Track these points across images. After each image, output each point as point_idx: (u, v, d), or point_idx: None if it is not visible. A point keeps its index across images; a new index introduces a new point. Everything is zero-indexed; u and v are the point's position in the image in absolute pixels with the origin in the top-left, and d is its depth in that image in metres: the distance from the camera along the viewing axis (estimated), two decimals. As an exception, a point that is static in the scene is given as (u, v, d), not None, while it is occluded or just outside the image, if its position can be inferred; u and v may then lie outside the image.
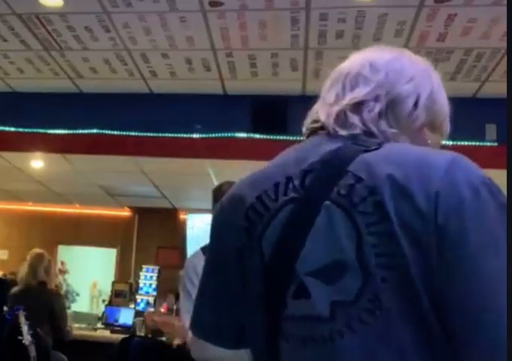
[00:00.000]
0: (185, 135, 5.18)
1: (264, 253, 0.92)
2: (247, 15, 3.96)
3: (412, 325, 0.81)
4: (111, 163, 5.90)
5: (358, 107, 0.97)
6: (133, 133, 5.25)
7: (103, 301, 7.73)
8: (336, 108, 0.98)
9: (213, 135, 5.07)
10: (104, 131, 5.29)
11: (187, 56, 4.63)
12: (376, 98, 0.97)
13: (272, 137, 4.95)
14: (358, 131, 0.95)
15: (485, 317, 0.77)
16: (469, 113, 5.00)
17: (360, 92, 0.97)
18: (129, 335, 5.21)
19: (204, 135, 5.12)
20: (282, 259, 0.90)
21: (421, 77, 1.01)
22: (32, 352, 3.68)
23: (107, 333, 5.75)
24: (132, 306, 6.53)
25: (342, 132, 0.95)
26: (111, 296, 6.89)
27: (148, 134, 5.24)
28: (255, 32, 4.18)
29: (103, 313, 6.38)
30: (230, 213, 0.99)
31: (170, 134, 5.22)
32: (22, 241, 8.16)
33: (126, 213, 8.74)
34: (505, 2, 2.97)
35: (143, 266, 7.29)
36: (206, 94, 5.19)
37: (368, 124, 0.95)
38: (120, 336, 5.21)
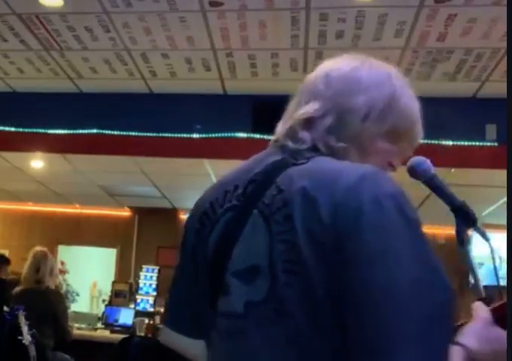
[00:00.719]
0: (185, 135, 5.18)
1: (208, 254, 1.01)
2: (247, 15, 3.96)
3: (312, 326, 0.87)
4: (111, 163, 5.90)
5: (308, 122, 1.01)
6: (133, 133, 5.25)
7: (103, 301, 7.72)
8: (289, 123, 1.04)
9: (213, 135, 5.07)
10: (104, 131, 5.29)
11: (187, 56, 4.63)
12: (326, 113, 1.01)
13: (272, 137, 4.95)
14: (305, 146, 1.00)
15: (370, 323, 0.81)
16: (469, 113, 5.01)
17: (311, 108, 1.02)
18: (129, 335, 5.21)
19: (204, 135, 5.12)
20: (218, 260, 0.99)
21: (378, 88, 1.02)
22: (32, 352, 3.68)
23: (107, 333, 5.75)
24: (132, 306, 6.53)
25: (291, 146, 1.01)
26: (111, 296, 6.89)
27: (148, 134, 5.24)
28: (255, 32, 4.18)
29: (103, 313, 6.38)
30: (192, 217, 1.10)
31: (170, 134, 5.21)
32: (23, 241, 8.16)
33: (126, 213, 8.74)
34: (505, 2, 2.97)
35: (143, 266, 7.29)
36: (206, 94, 5.19)
37: (315, 140, 1.00)
38: (120, 336, 5.21)
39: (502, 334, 0.93)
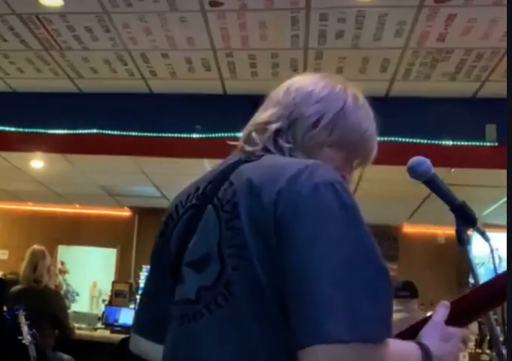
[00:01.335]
0: (185, 135, 5.18)
1: (171, 252, 1.09)
2: (247, 15, 3.96)
3: (257, 307, 0.92)
4: (111, 163, 5.90)
5: (262, 127, 1.11)
6: (133, 133, 5.25)
7: (103, 301, 7.72)
8: (248, 128, 1.14)
9: (213, 135, 5.07)
10: (104, 131, 5.29)
11: (187, 56, 4.63)
12: (279, 119, 1.10)
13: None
14: (258, 147, 1.09)
15: (304, 298, 0.86)
16: (469, 113, 5.01)
17: (266, 114, 1.13)
18: (129, 335, 5.20)
19: (204, 135, 5.12)
20: (177, 256, 1.06)
21: (330, 100, 1.11)
22: (32, 352, 3.68)
23: (107, 333, 5.75)
24: (132, 306, 6.53)
25: (246, 149, 1.10)
26: (111, 296, 6.89)
27: (148, 134, 5.24)
28: (255, 32, 4.18)
29: (103, 313, 6.38)
30: (161, 223, 1.17)
31: (170, 134, 5.21)
32: (23, 241, 8.15)
33: (126, 213, 8.74)
34: (505, 2, 2.97)
35: (143, 266, 7.29)
36: (206, 94, 5.19)
37: (265, 142, 1.09)
38: (120, 336, 5.21)
39: (454, 333, 1.03)
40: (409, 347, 0.96)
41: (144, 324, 1.19)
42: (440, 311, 1.04)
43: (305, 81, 1.15)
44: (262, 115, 1.14)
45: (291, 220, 0.90)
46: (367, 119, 1.15)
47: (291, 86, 1.14)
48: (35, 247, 4.72)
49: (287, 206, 0.91)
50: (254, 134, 1.11)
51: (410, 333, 1.03)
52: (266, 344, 0.91)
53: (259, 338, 0.92)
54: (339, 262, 0.86)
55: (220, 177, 1.06)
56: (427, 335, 1.01)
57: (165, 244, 1.11)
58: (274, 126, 1.09)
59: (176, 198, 1.17)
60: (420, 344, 0.98)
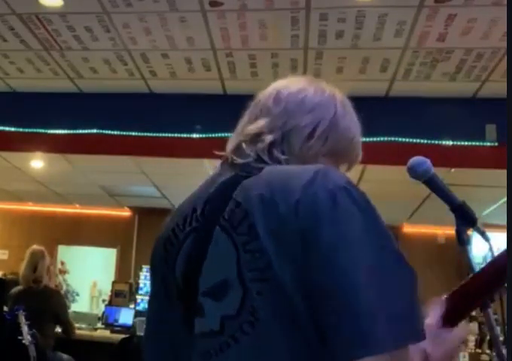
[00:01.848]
0: (185, 135, 5.18)
1: (177, 280, 1.02)
2: (247, 15, 3.96)
3: (288, 331, 0.88)
4: (111, 163, 5.91)
5: (254, 138, 1.06)
6: (133, 133, 5.25)
7: (103, 301, 7.73)
8: (237, 139, 1.09)
9: (213, 135, 5.06)
10: (104, 131, 5.29)
11: (187, 56, 4.63)
12: (272, 130, 1.06)
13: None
14: (251, 159, 1.04)
15: (343, 310, 0.83)
16: (469, 113, 5.01)
17: (258, 124, 1.07)
18: (129, 335, 5.21)
19: (204, 135, 5.12)
20: (188, 284, 0.99)
21: (322, 108, 1.08)
22: (32, 352, 3.68)
23: (107, 333, 5.75)
24: (132, 306, 6.53)
25: (239, 162, 1.05)
26: (111, 296, 6.89)
27: (148, 134, 5.24)
28: (255, 32, 4.18)
29: (103, 313, 6.38)
30: (157, 246, 1.09)
31: (170, 134, 5.21)
32: (23, 241, 8.15)
33: (126, 213, 8.74)
34: (505, 2, 2.97)
35: (143, 266, 7.29)
36: (206, 94, 5.19)
37: (260, 153, 1.04)
38: (120, 336, 5.22)
39: (448, 335, 1.03)
40: (416, 349, 0.95)
41: (154, 352, 1.13)
42: (435, 311, 1.04)
43: (294, 87, 1.11)
44: (252, 125, 1.09)
45: (313, 231, 0.87)
46: (354, 123, 1.13)
47: (280, 93, 1.10)
48: (35, 247, 4.73)
49: (307, 217, 0.88)
50: (244, 145, 1.06)
51: None
52: None
53: (292, 359, 0.88)
54: (370, 269, 0.85)
55: (221, 196, 1.00)
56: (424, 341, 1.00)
57: (168, 271, 1.04)
58: (268, 138, 1.05)
59: (171, 219, 1.10)
60: (422, 351, 0.96)
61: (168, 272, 1.04)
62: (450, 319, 1.04)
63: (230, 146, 1.11)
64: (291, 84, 1.12)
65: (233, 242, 0.94)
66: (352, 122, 1.12)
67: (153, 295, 1.13)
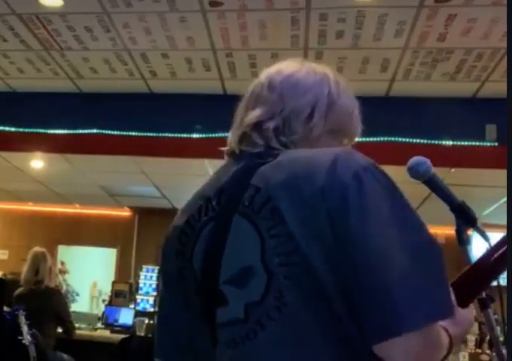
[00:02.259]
0: (185, 135, 5.18)
1: (195, 271, 1.00)
2: (247, 15, 3.96)
3: (318, 314, 0.88)
4: (111, 163, 5.90)
5: (257, 126, 1.06)
6: (133, 133, 5.25)
7: (103, 301, 7.72)
8: (240, 131, 1.09)
9: (213, 135, 5.06)
10: (104, 131, 5.29)
11: (187, 56, 4.63)
12: (272, 117, 1.06)
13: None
14: (260, 148, 1.04)
15: (376, 292, 0.84)
16: (469, 113, 5.01)
17: (257, 113, 1.07)
18: (129, 335, 5.21)
19: (204, 135, 5.12)
20: (208, 275, 0.98)
21: (317, 88, 1.09)
22: (32, 352, 3.68)
23: (107, 333, 5.75)
24: (132, 306, 6.53)
25: (247, 151, 1.05)
26: (111, 296, 6.89)
27: (148, 134, 5.24)
28: (255, 32, 4.18)
29: (103, 313, 6.37)
30: (169, 240, 1.08)
31: (170, 134, 5.21)
32: (23, 241, 8.16)
33: (126, 213, 8.74)
34: (505, 2, 2.97)
35: (143, 266, 7.28)
36: (206, 94, 5.19)
37: (268, 140, 1.04)
38: (120, 336, 5.21)
39: (465, 314, 1.04)
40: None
41: (168, 351, 1.12)
42: None
43: (285, 72, 1.11)
44: (250, 115, 1.08)
45: (343, 214, 0.87)
46: (349, 98, 1.13)
47: (274, 80, 1.11)
48: (36, 249, 4.73)
49: (335, 201, 0.88)
50: (251, 134, 1.06)
51: None
52: (330, 349, 0.88)
53: (323, 343, 0.88)
54: (401, 249, 0.85)
55: (237, 184, 1.00)
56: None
57: (185, 264, 1.02)
58: (271, 125, 1.05)
59: (183, 212, 1.08)
60: (445, 329, 0.96)
61: (185, 265, 1.02)
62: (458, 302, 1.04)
63: (233, 138, 1.10)
64: (281, 70, 1.13)
65: (256, 228, 0.93)
66: (347, 97, 1.12)
67: (167, 292, 1.11)
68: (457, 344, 1.03)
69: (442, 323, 0.96)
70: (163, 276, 1.12)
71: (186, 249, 1.03)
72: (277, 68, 1.14)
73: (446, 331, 0.96)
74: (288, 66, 1.13)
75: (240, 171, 1.02)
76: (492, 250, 1.07)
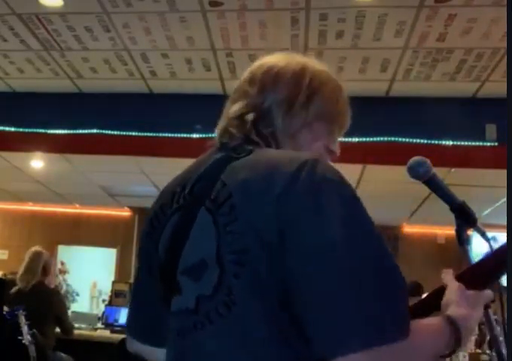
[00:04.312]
0: (185, 135, 5.18)
1: (160, 257, 1.02)
2: (247, 15, 3.96)
3: (263, 317, 0.88)
4: (111, 163, 5.90)
5: (237, 120, 1.07)
6: (133, 133, 5.25)
7: (103, 301, 7.72)
8: (222, 123, 1.12)
9: (213, 135, 5.06)
10: (104, 131, 5.29)
11: (187, 56, 4.63)
12: (252, 109, 1.07)
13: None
14: (238, 141, 1.04)
15: (316, 308, 0.83)
16: (469, 113, 5.01)
17: (238, 106, 1.09)
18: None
19: (204, 135, 5.12)
20: (169, 262, 1.00)
21: (297, 78, 1.08)
22: (32, 352, 3.69)
23: (107, 333, 5.74)
24: (132, 306, 6.52)
25: (228, 144, 1.06)
26: (111, 296, 6.89)
27: (148, 134, 5.24)
28: (255, 32, 4.18)
29: (103, 313, 6.37)
30: (146, 223, 1.11)
31: (170, 134, 5.21)
32: (23, 241, 8.16)
33: (126, 213, 8.74)
34: (505, 2, 2.97)
35: (143, 266, 7.28)
36: (206, 94, 5.19)
37: (247, 133, 1.05)
38: (120, 336, 5.20)
39: (479, 296, 1.01)
40: (435, 327, 0.93)
41: (137, 327, 1.16)
42: (449, 277, 1.04)
43: (266, 65, 1.12)
44: (232, 108, 1.10)
45: (295, 225, 0.87)
46: (334, 87, 1.13)
47: (255, 74, 1.11)
48: (32, 248, 4.75)
49: (288, 210, 0.87)
50: (231, 128, 1.08)
51: (422, 306, 1.03)
52: (273, 352, 0.87)
53: (265, 345, 0.88)
54: (350, 268, 0.83)
55: (209, 176, 1.01)
56: (453, 303, 0.98)
57: (152, 246, 1.05)
58: (250, 117, 1.06)
59: (160, 196, 1.12)
60: (447, 317, 0.94)
61: (152, 249, 1.05)
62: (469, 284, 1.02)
63: (217, 131, 1.13)
64: (263, 63, 1.13)
65: (215, 222, 0.94)
66: (332, 87, 1.12)
67: (139, 273, 1.14)
68: (472, 324, 0.98)
69: (447, 309, 0.96)
70: (138, 254, 1.15)
71: (155, 233, 1.05)
72: (260, 62, 1.14)
73: (450, 319, 0.93)
74: (269, 59, 1.13)
75: (215, 163, 1.03)
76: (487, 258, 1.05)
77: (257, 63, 1.14)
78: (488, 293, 1.04)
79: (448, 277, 1.04)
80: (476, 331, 5.48)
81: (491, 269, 1.05)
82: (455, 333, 0.93)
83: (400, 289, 0.86)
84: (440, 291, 1.04)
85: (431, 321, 0.96)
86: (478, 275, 1.04)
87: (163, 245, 1.02)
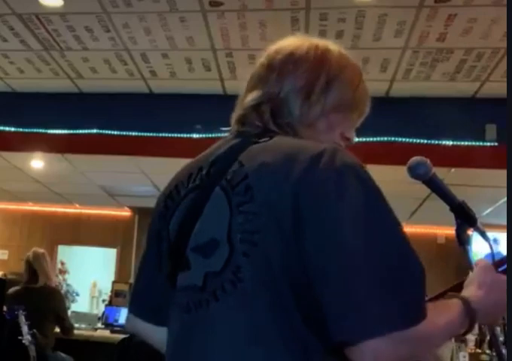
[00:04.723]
0: (185, 135, 5.18)
1: (170, 234, 1.03)
2: (247, 15, 3.96)
3: (268, 296, 0.88)
4: (111, 163, 5.90)
5: (256, 107, 1.06)
6: (133, 133, 5.25)
7: (103, 301, 7.72)
8: (239, 112, 1.10)
9: (213, 135, 5.06)
10: (104, 131, 5.28)
11: (187, 56, 4.63)
12: (270, 98, 1.05)
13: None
14: (259, 130, 1.04)
15: (336, 293, 0.83)
16: (469, 113, 5.01)
17: (255, 95, 1.07)
18: (129, 335, 5.20)
19: (204, 135, 5.12)
20: (179, 240, 1.01)
21: (317, 65, 1.07)
22: (32, 352, 3.69)
23: (107, 333, 5.74)
24: (132, 306, 6.52)
25: (246, 131, 1.05)
26: (111, 296, 6.89)
27: (148, 134, 5.24)
28: (255, 32, 4.18)
29: (103, 313, 6.38)
30: (159, 202, 1.12)
31: (170, 134, 5.21)
32: (23, 241, 8.16)
33: (126, 213, 8.74)
34: (505, 2, 2.97)
35: (143, 266, 7.28)
36: (206, 94, 5.19)
37: (266, 123, 1.04)
38: (120, 336, 5.20)
39: (499, 278, 0.99)
40: (450, 308, 0.93)
41: (141, 306, 1.15)
42: (484, 259, 1.03)
43: (285, 50, 1.09)
44: (249, 97, 1.08)
45: (315, 210, 0.87)
46: (354, 73, 1.11)
47: (273, 59, 1.08)
48: (33, 249, 4.77)
49: (308, 195, 0.88)
50: (249, 115, 1.06)
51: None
52: (275, 330, 0.88)
53: (268, 323, 0.88)
54: (366, 250, 0.84)
55: (227, 158, 1.01)
56: (473, 283, 0.98)
57: (164, 226, 1.06)
58: (268, 107, 1.05)
59: (176, 177, 1.11)
60: (462, 298, 0.94)
61: (163, 227, 1.06)
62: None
63: (235, 118, 1.11)
64: (281, 49, 1.10)
65: (229, 202, 0.94)
66: (352, 72, 1.11)
67: (146, 253, 1.14)
68: (491, 305, 0.96)
69: (466, 289, 0.96)
70: (147, 235, 1.14)
71: (168, 212, 1.06)
72: (277, 47, 1.12)
73: (464, 300, 0.93)
74: (288, 44, 1.11)
75: (234, 146, 1.03)
76: None
77: (274, 48, 1.12)
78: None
79: (482, 260, 1.04)
80: (477, 331, 5.48)
81: None
82: (469, 314, 0.93)
83: (419, 274, 0.87)
84: (458, 286, 1.04)
85: (448, 302, 0.95)
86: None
87: (175, 223, 1.03)
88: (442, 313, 0.91)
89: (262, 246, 0.89)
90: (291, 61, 1.07)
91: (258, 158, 0.95)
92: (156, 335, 1.11)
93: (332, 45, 1.14)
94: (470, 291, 0.97)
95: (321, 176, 0.88)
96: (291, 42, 1.12)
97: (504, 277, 1.00)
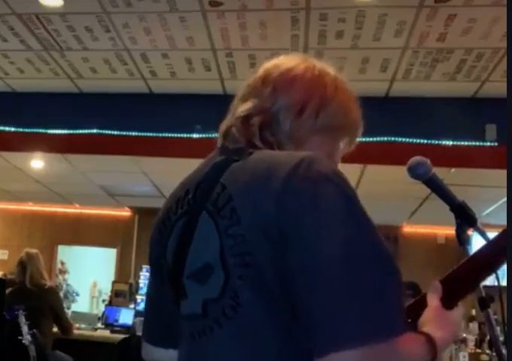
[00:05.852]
0: (185, 135, 5.18)
1: (168, 263, 1.03)
2: (247, 15, 3.96)
3: (267, 314, 0.89)
4: (111, 163, 5.90)
5: (243, 121, 1.04)
6: (133, 133, 5.25)
7: (103, 301, 7.73)
8: (227, 122, 1.08)
9: (213, 135, 5.05)
10: (104, 131, 5.29)
11: (187, 56, 4.63)
12: (261, 111, 1.04)
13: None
14: (242, 144, 1.02)
15: (313, 305, 0.83)
16: (469, 113, 5.01)
17: (247, 106, 1.05)
18: (129, 335, 5.21)
19: (204, 135, 5.12)
20: (176, 267, 1.01)
21: (313, 85, 1.06)
22: (32, 352, 3.69)
23: (107, 333, 5.75)
24: (132, 306, 6.53)
25: (230, 146, 1.04)
26: (111, 296, 6.90)
27: (148, 134, 5.24)
28: (255, 32, 4.18)
29: (103, 313, 6.38)
30: (154, 229, 1.11)
31: (170, 134, 5.21)
32: (23, 241, 8.16)
33: (126, 213, 8.74)
34: (505, 2, 2.97)
35: (143, 266, 7.29)
36: (206, 94, 5.19)
37: (251, 137, 1.02)
38: (120, 336, 5.22)
39: (452, 316, 1.03)
40: (417, 341, 0.94)
41: (152, 331, 1.18)
42: (434, 295, 1.03)
43: (284, 66, 1.09)
44: (241, 108, 1.06)
45: (295, 225, 0.87)
46: (348, 98, 1.11)
47: (270, 74, 1.08)
48: (25, 250, 4.80)
49: (288, 209, 0.87)
50: (234, 129, 1.05)
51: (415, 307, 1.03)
52: (279, 350, 0.88)
53: (272, 344, 0.89)
54: (345, 262, 0.83)
55: (210, 180, 1.00)
56: (430, 324, 0.99)
57: (162, 253, 1.06)
58: (257, 120, 1.03)
59: (167, 201, 1.11)
60: (428, 335, 0.95)
61: (161, 254, 1.06)
62: (446, 302, 1.03)
63: (222, 128, 1.10)
64: (279, 64, 1.10)
65: (217, 226, 0.94)
66: (347, 97, 1.10)
67: (151, 279, 1.17)
68: (445, 347, 1.01)
69: (425, 328, 0.97)
70: (149, 259, 1.15)
71: (163, 239, 1.06)
72: (275, 63, 1.11)
73: (429, 337, 0.94)
74: (286, 61, 1.11)
75: (216, 166, 1.02)
76: (477, 255, 1.05)
77: (272, 63, 1.11)
78: (460, 313, 1.06)
79: (431, 293, 1.04)
80: (477, 331, 5.47)
81: (474, 273, 1.05)
82: (432, 352, 0.94)
83: (397, 289, 0.86)
84: (422, 300, 1.05)
85: (416, 335, 0.96)
86: (452, 289, 1.04)
87: (170, 251, 1.03)
88: (414, 342, 0.92)
89: (255, 267, 0.89)
90: (287, 77, 1.07)
91: (240, 178, 0.95)
92: (168, 358, 1.12)
93: (330, 68, 1.12)
94: (431, 331, 0.98)
95: (296, 188, 0.88)
96: (290, 59, 1.11)
97: (451, 314, 1.03)
